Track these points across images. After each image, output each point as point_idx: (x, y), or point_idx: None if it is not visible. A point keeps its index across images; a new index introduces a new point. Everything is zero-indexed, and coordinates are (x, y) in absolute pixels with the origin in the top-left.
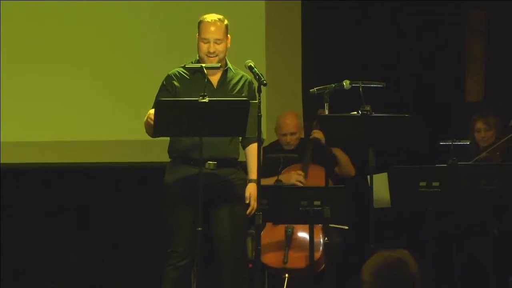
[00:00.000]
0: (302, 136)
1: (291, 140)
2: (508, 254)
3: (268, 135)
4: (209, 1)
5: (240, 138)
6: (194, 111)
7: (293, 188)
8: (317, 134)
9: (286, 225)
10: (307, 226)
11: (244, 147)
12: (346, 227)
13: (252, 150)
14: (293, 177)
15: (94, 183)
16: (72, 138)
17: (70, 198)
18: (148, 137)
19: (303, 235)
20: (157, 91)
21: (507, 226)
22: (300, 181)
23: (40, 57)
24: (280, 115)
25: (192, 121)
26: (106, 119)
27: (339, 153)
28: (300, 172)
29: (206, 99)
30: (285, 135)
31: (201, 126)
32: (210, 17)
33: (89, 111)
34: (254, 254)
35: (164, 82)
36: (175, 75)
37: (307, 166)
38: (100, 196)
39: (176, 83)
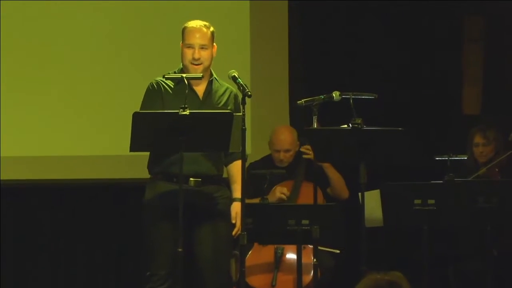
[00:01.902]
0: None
1: (285, 158)
2: (509, 277)
3: (253, 150)
4: (188, 8)
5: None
6: (173, 125)
7: (280, 206)
8: (308, 150)
9: (275, 245)
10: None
11: (227, 164)
12: (338, 251)
13: (237, 167)
14: (277, 192)
15: (69, 200)
16: (47, 154)
17: (42, 215)
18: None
19: (294, 256)
20: (142, 101)
21: (507, 247)
22: (283, 193)
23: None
24: (275, 129)
25: (171, 135)
26: (87, 134)
27: (331, 173)
28: (282, 187)
29: (187, 112)
30: (278, 151)
31: (181, 141)
32: (195, 23)
33: (70, 127)
34: (238, 276)
35: (150, 90)
36: (158, 84)
37: (300, 183)
38: (75, 214)
39: (160, 92)
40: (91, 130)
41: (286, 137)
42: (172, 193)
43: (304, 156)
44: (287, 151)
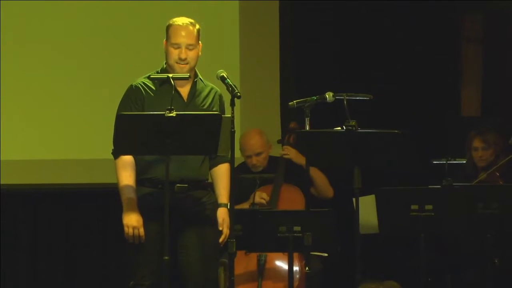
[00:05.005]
0: (273, 154)
1: (257, 162)
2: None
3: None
4: (176, 7)
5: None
6: (159, 127)
7: (270, 212)
8: (287, 150)
9: (258, 253)
10: (281, 254)
11: (212, 167)
12: (326, 254)
13: (223, 171)
14: (256, 197)
15: (69, 204)
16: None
17: (42, 219)
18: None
19: (278, 263)
20: (119, 105)
21: (509, 255)
22: (262, 198)
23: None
24: (243, 134)
25: (157, 137)
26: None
27: (313, 172)
28: (261, 192)
29: (174, 113)
30: (249, 157)
31: (168, 144)
32: (181, 20)
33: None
34: (227, 286)
35: (128, 94)
36: (141, 86)
37: (279, 186)
38: (55, 220)
39: (142, 95)
40: (93, 133)
41: (256, 141)
42: (157, 199)
43: (284, 156)
44: (258, 154)
